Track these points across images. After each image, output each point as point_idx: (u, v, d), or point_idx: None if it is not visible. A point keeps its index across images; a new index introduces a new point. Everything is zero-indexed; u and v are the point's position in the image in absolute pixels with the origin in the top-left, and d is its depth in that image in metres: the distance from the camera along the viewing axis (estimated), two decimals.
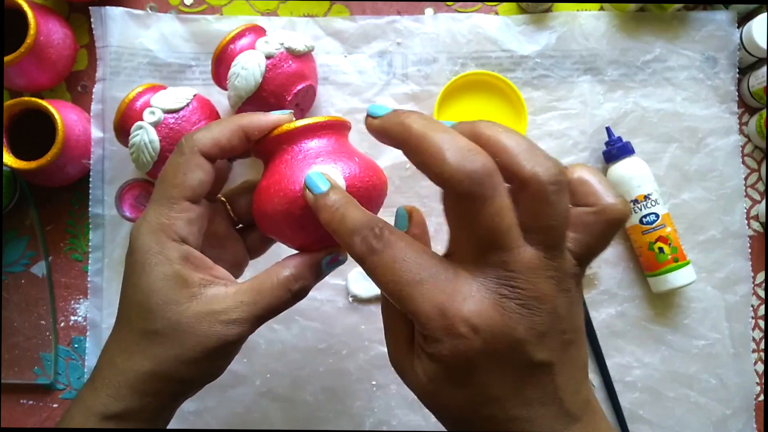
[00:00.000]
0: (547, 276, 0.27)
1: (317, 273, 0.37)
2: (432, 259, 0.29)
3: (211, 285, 0.35)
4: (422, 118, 0.29)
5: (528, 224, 0.27)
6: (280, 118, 0.37)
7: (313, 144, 0.37)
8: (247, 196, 0.41)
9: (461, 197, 0.27)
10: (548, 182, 0.26)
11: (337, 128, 0.39)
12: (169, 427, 0.38)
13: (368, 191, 0.37)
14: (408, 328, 0.33)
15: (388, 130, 0.30)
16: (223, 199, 0.42)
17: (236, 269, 0.42)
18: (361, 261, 0.30)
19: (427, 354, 0.29)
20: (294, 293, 0.36)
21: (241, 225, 0.43)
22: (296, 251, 0.38)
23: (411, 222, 0.35)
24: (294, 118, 0.38)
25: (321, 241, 0.37)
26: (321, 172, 0.34)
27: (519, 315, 0.27)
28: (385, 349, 0.61)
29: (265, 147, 0.38)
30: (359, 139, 0.60)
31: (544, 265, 0.27)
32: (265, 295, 0.35)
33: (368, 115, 0.32)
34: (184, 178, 0.35)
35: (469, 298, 0.27)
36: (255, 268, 0.41)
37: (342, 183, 0.35)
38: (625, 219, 0.29)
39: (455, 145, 0.27)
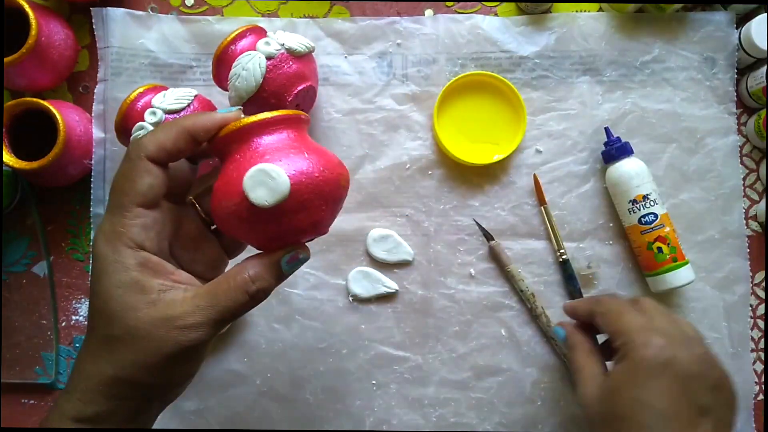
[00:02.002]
0: None
1: (277, 273, 0.37)
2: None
3: (169, 290, 0.35)
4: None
5: None
6: (226, 116, 0.37)
7: (263, 141, 0.36)
8: None
9: None
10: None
11: (289, 122, 0.37)
12: (169, 426, 0.39)
13: (319, 186, 0.36)
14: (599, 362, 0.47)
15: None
16: (192, 200, 0.41)
17: (213, 270, 0.41)
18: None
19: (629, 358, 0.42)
20: (252, 295, 0.36)
21: (215, 226, 0.42)
22: (259, 251, 0.38)
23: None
24: (242, 116, 0.37)
25: (277, 240, 0.37)
26: (263, 168, 0.34)
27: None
28: (385, 349, 0.61)
29: (216, 147, 0.37)
30: (359, 139, 0.61)
31: None
32: (222, 298, 0.35)
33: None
34: (133, 184, 0.35)
35: None
36: None
37: (286, 181, 0.34)
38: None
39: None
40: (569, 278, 0.59)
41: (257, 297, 0.36)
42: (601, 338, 0.50)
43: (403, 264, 0.60)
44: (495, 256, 0.60)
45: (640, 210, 0.57)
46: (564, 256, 0.59)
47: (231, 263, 0.41)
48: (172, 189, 0.37)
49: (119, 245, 0.34)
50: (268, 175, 0.34)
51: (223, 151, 0.37)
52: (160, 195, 0.36)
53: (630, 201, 0.57)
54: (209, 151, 0.38)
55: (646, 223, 0.56)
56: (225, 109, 0.37)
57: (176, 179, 0.38)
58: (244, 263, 0.36)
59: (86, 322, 0.59)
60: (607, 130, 0.59)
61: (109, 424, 0.34)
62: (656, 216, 0.56)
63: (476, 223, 0.60)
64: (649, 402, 0.40)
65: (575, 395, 0.47)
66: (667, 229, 0.57)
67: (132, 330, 0.34)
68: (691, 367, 0.41)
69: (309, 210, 0.36)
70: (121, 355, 0.34)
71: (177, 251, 0.39)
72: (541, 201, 0.60)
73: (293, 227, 0.36)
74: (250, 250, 0.39)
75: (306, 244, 0.38)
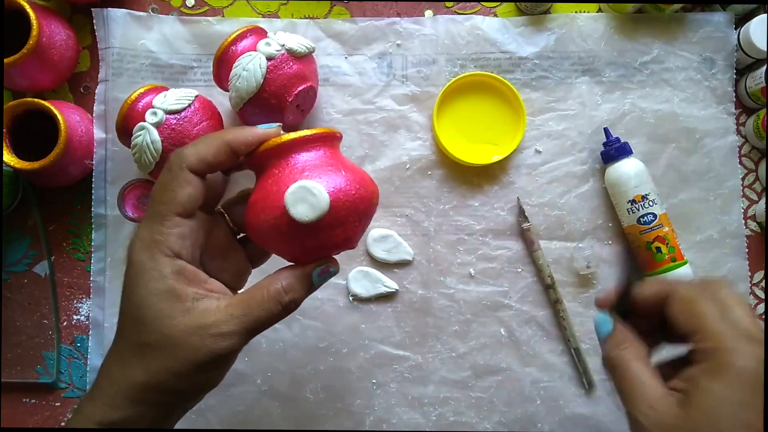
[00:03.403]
0: None
1: (308, 285, 0.38)
2: None
3: (203, 299, 0.36)
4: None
5: None
6: (266, 132, 0.38)
7: (301, 157, 0.37)
8: (244, 206, 0.42)
9: None
10: None
11: (325, 140, 0.39)
12: None
13: (355, 204, 0.37)
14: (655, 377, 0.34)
15: None
16: (221, 210, 0.42)
17: (239, 279, 0.43)
18: None
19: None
20: (284, 305, 0.37)
21: (241, 234, 0.43)
22: (289, 263, 0.39)
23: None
24: (282, 132, 0.38)
25: (312, 253, 0.38)
26: (305, 185, 0.35)
27: None
28: (385, 348, 0.61)
29: (254, 161, 0.38)
30: (359, 140, 0.61)
31: None
32: (255, 307, 0.36)
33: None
34: (173, 194, 0.36)
35: None
36: (258, 277, 0.41)
37: (326, 198, 0.35)
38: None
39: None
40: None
41: (289, 308, 0.37)
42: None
43: (403, 264, 0.60)
44: (526, 239, 0.60)
45: (639, 210, 0.57)
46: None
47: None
48: (206, 199, 0.38)
49: (157, 253, 0.35)
50: (310, 192, 0.35)
51: (261, 165, 0.38)
52: (198, 205, 0.37)
53: (629, 201, 0.57)
54: (246, 164, 0.39)
55: (645, 223, 0.57)
56: (265, 125, 0.38)
57: (210, 189, 0.39)
58: (276, 274, 0.38)
59: (87, 322, 0.59)
60: (606, 130, 0.60)
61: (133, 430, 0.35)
62: (655, 216, 0.57)
63: (518, 201, 0.60)
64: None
65: (628, 416, 0.33)
66: (666, 229, 0.57)
67: (166, 337, 0.34)
68: None
69: (344, 226, 0.37)
70: (154, 361, 0.34)
71: (205, 260, 0.39)
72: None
73: (328, 242, 0.37)
74: (274, 260, 0.40)
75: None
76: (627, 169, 0.57)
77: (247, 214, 0.38)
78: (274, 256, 0.43)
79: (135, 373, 0.34)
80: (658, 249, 0.56)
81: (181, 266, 0.36)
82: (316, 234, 0.36)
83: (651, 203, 0.57)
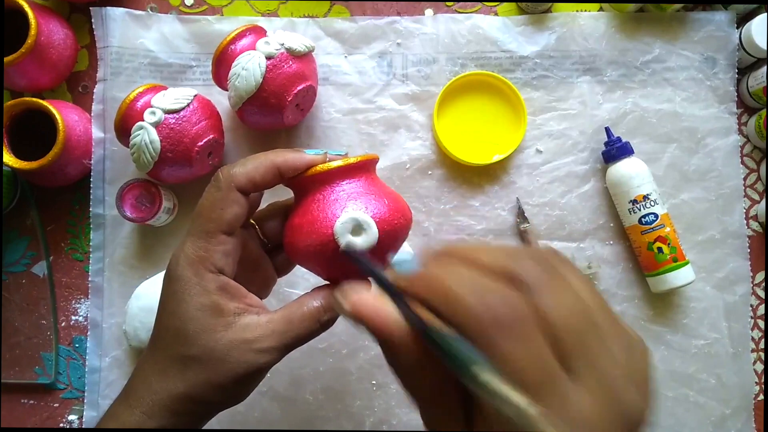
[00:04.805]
0: None
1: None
2: None
3: (245, 313, 0.37)
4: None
5: None
6: (314, 158, 0.39)
7: (345, 185, 0.38)
8: (275, 219, 0.43)
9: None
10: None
11: (368, 167, 0.40)
12: None
13: (396, 232, 0.38)
14: None
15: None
16: (253, 222, 0.43)
17: (265, 289, 0.44)
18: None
19: None
20: (323, 324, 0.38)
21: (269, 245, 0.44)
22: (325, 281, 0.40)
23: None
24: (328, 158, 0.39)
25: (349, 275, 0.39)
26: (357, 218, 0.36)
27: None
28: None
29: (299, 183, 0.39)
30: (359, 139, 0.61)
31: None
32: (296, 324, 0.37)
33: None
34: (222, 213, 0.37)
35: None
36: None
37: (376, 231, 0.36)
38: None
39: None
40: None
41: (326, 326, 0.39)
42: None
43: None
44: (525, 240, 0.59)
45: (640, 210, 0.57)
46: None
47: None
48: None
49: (202, 270, 0.36)
50: (360, 225, 0.36)
51: (304, 188, 0.39)
52: (242, 223, 0.38)
53: (630, 201, 0.57)
54: (286, 183, 0.40)
55: (647, 223, 0.56)
56: (312, 151, 0.39)
57: (250, 206, 0.40)
58: (314, 293, 0.39)
59: (85, 323, 0.59)
60: (607, 129, 0.59)
61: None
62: (656, 216, 0.56)
63: (518, 201, 0.60)
64: None
65: None
66: (668, 229, 0.57)
67: (209, 351, 0.35)
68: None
69: (384, 252, 0.38)
70: (195, 374, 0.35)
71: (238, 271, 0.40)
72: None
73: None
74: (298, 270, 0.42)
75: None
76: (628, 168, 0.57)
77: (288, 234, 0.39)
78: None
79: (176, 385, 0.35)
80: (660, 249, 0.56)
81: (225, 282, 0.37)
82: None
83: (652, 203, 0.56)
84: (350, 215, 0.36)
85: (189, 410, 0.36)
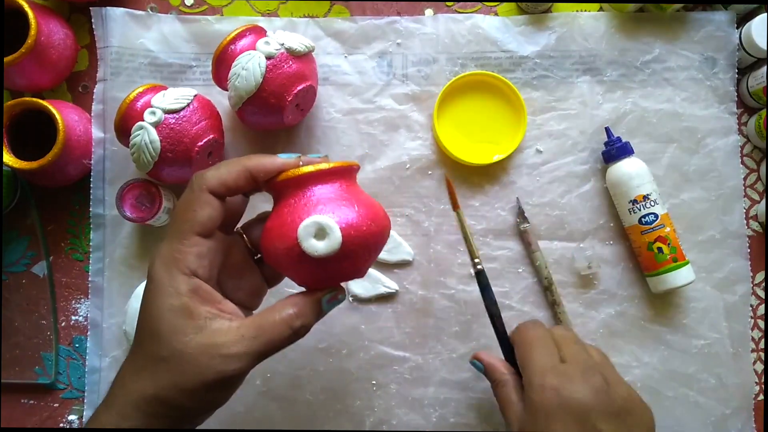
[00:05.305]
0: None
1: (317, 311, 0.39)
2: None
3: (216, 318, 0.36)
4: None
5: None
6: (286, 162, 0.39)
7: (318, 190, 0.39)
8: (262, 228, 0.43)
9: None
10: None
11: (343, 173, 0.40)
12: None
13: (365, 239, 0.38)
14: None
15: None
16: (240, 231, 0.43)
17: (254, 299, 0.44)
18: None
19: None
20: (295, 330, 0.38)
21: (259, 255, 0.44)
22: (302, 288, 0.40)
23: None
24: (301, 162, 0.39)
25: (321, 282, 0.39)
26: (318, 221, 0.36)
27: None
28: (385, 349, 0.61)
29: (275, 188, 0.40)
30: (359, 139, 0.61)
31: None
32: (267, 330, 0.37)
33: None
34: (194, 214, 0.37)
35: None
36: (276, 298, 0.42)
37: (338, 235, 0.36)
38: None
39: None
40: (484, 289, 0.52)
41: (299, 333, 0.38)
42: None
43: (403, 264, 0.60)
44: (525, 240, 0.59)
45: (640, 210, 0.57)
46: (479, 266, 0.52)
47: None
48: (225, 220, 0.40)
49: (174, 270, 0.36)
50: (322, 228, 0.36)
51: (279, 193, 0.40)
52: (216, 225, 0.38)
53: (630, 201, 0.57)
54: (265, 188, 0.40)
55: (647, 223, 0.56)
56: (285, 155, 0.40)
57: (230, 211, 0.40)
58: (287, 300, 0.39)
59: (85, 323, 0.59)
60: (607, 130, 0.59)
61: None
62: (656, 216, 0.56)
63: (518, 201, 0.60)
64: None
65: (506, 423, 0.47)
66: (668, 229, 0.56)
67: (177, 353, 0.35)
68: (585, 400, 0.41)
69: (354, 259, 0.38)
70: (164, 375, 0.35)
71: (222, 278, 0.41)
72: (454, 206, 0.55)
73: (337, 273, 0.39)
74: (290, 282, 0.41)
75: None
76: (628, 168, 0.57)
77: (262, 238, 0.39)
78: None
79: (145, 385, 0.35)
80: (660, 249, 0.56)
81: (197, 285, 0.37)
82: (326, 266, 0.38)
83: (652, 203, 0.56)
84: (312, 219, 0.36)
85: (161, 413, 0.35)
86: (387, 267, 0.60)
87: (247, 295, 0.43)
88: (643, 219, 0.56)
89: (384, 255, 0.59)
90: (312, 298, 0.39)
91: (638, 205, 0.57)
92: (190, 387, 0.35)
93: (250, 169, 0.38)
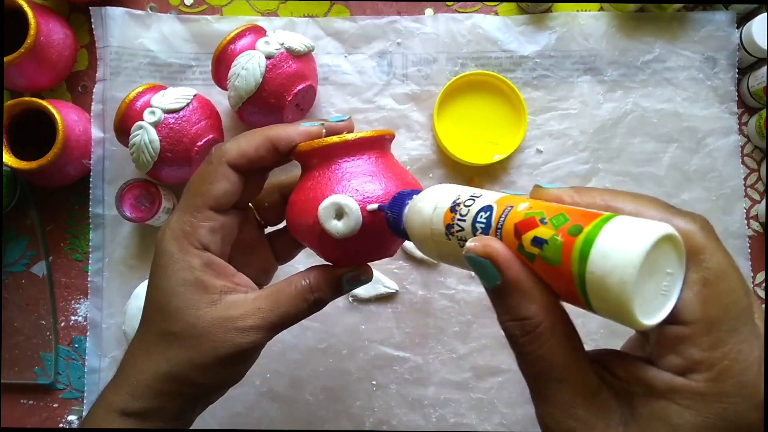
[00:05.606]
0: None
1: (336, 288, 0.37)
2: None
3: (231, 292, 0.35)
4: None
5: None
6: (309, 130, 0.37)
7: (344, 163, 0.36)
8: (272, 199, 0.41)
9: None
10: None
11: (373, 144, 0.37)
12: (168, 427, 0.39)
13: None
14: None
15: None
16: (250, 204, 0.42)
17: (264, 275, 0.42)
18: None
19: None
20: (310, 304, 0.36)
21: (267, 228, 0.43)
22: (326, 262, 0.38)
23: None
24: (324, 130, 0.37)
25: (346, 260, 0.37)
26: (338, 201, 0.34)
27: None
28: (385, 349, 0.61)
29: (298, 157, 0.38)
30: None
31: None
32: (283, 303, 0.35)
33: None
34: (210, 187, 0.35)
35: None
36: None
37: (358, 216, 0.34)
38: None
39: None
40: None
41: (314, 306, 0.37)
42: None
43: (403, 264, 0.60)
44: None
45: (462, 220, 0.30)
46: None
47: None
48: (242, 196, 0.38)
49: (186, 244, 0.35)
50: (342, 209, 0.34)
51: (304, 162, 0.38)
52: (233, 201, 0.37)
53: (446, 227, 0.30)
54: (292, 156, 0.38)
55: (483, 224, 0.28)
56: (308, 123, 0.37)
57: (247, 187, 0.38)
58: (306, 272, 0.37)
59: (85, 323, 0.59)
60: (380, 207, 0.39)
61: (153, 420, 0.35)
62: (490, 207, 0.28)
63: None
64: None
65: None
66: (523, 205, 0.27)
67: (191, 328, 0.34)
68: None
69: (379, 239, 0.36)
70: (178, 351, 0.34)
71: (232, 254, 0.39)
72: None
73: (362, 252, 0.37)
74: (299, 260, 0.40)
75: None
76: (422, 205, 0.32)
77: (288, 210, 0.38)
78: (301, 254, 0.43)
79: (159, 363, 0.34)
80: (538, 241, 0.25)
81: (210, 259, 0.35)
82: (349, 245, 0.36)
83: (471, 200, 0.29)
84: (331, 199, 0.34)
85: (174, 390, 0.34)
86: (387, 267, 0.60)
87: (257, 271, 0.41)
88: (476, 225, 0.28)
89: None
90: (332, 274, 0.37)
91: (455, 219, 0.29)
92: (205, 361, 0.34)
93: (271, 139, 0.36)
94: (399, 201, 0.33)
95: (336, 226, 0.34)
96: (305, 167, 0.38)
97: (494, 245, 0.25)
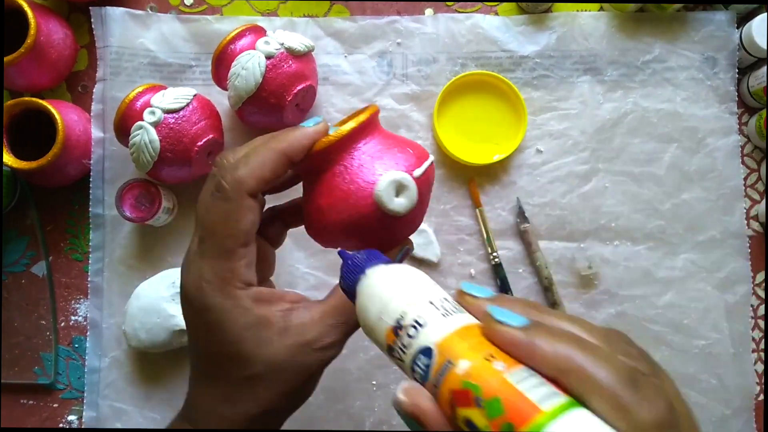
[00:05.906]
0: None
1: None
2: None
3: (290, 314, 0.35)
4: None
5: None
6: (317, 130, 0.35)
7: (363, 146, 0.35)
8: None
9: None
10: None
11: (374, 120, 0.36)
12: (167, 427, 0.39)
13: (429, 178, 0.36)
14: None
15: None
16: None
17: (264, 263, 0.40)
18: None
19: None
20: None
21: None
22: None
23: None
24: (328, 126, 0.36)
25: (394, 239, 0.36)
26: (396, 179, 0.33)
27: None
28: None
29: (312, 163, 0.35)
30: None
31: None
32: (347, 310, 0.35)
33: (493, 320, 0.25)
34: (237, 225, 0.33)
35: None
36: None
37: (413, 183, 0.33)
38: None
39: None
40: (503, 280, 0.59)
41: None
42: None
43: (420, 263, 0.60)
44: (525, 240, 0.59)
45: (406, 353, 0.27)
46: (497, 260, 0.59)
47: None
48: None
49: (231, 290, 0.33)
50: (401, 185, 0.33)
51: (319, 166, 0.35)
52: (257, 228, 0.35)
53: (388, 347, 0.28)
54: (298, 169, 0.36)
55: (422, 372, 0.25)
56: (308, 122, 0.35)
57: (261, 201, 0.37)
58: None
59: (85, 323, 0.59)
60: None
61: None
62: (430, 353, 0.25)
63: (518, 201, 0.60)
64: None
65: None
66: (463, 364, 0.23)
67: (272, 364, 0.33)
68: None
69: (423, 204, 0.35)
70: (266, 390, 0.34)
71: None
72: (476, 204, 0.59)
73: (412, 225, 0.36)
74: (296, 270, 0.38)
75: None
76: (368, 304, 0.30)
77: (317, 219, 0.35)
78: (301, 254, 0.42)
79: (247, 407, 0.34)
80: (472, 426, 0.22)
81: (257, 292, 0.34)
82: (402, 221, 0.34)
83: (414, 329, 0.26)
84: (390, 178, 0.33)
85: (267, 424, 0.35)
86: None
87: (262, 264, 0.39)
88: (415, 367, 0.26)
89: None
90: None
91: (397, 345, 0.27)
92: (295, 387, 0.34)
93: (285, 152, 0.34)
94: (353, 271, 0.31)
95: (401, 204, 0.33)
96: (318, 168, 0.35)
97: (423, 406, 0.24)
